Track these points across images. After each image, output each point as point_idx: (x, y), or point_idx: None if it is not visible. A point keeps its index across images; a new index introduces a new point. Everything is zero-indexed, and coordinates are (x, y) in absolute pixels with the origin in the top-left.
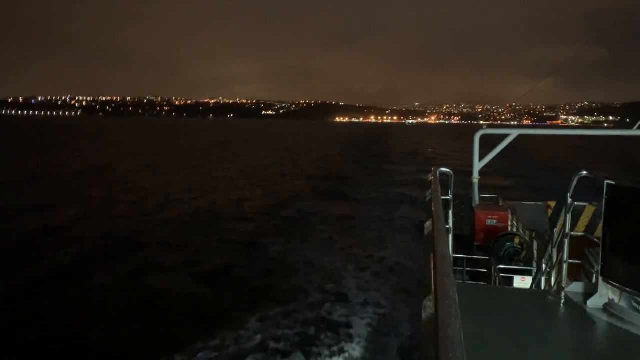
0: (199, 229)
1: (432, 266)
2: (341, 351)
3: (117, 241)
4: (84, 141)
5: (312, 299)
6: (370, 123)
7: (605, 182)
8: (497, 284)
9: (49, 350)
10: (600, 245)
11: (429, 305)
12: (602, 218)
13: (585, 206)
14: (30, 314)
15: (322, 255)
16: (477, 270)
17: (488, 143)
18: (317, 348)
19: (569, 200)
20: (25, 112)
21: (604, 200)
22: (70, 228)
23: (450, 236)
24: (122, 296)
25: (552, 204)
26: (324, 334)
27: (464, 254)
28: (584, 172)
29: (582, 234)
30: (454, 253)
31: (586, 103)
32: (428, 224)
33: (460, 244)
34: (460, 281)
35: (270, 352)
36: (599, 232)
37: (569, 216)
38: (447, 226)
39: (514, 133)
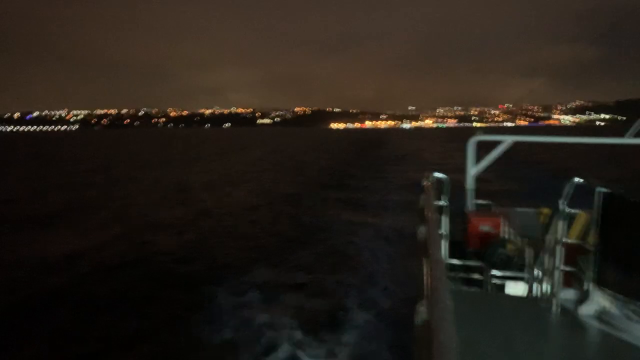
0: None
1: (426, 271)
2: (327, 355)
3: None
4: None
5: (296, 297)
6: (367, 128)
7: (599, 190)
8: (490, 290)
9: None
10: (593, 253)
11: (422, 310)
12: (596, 226)
13: (578, 213)
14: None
15: (309, 256)
16: (470, 276)
17: (482, 148)
18: (300, 352)
19: (563, 207)
20: (22, 128)
21: (597, 208)
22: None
23: (445, 242)
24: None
25: (546, 210)
26: (307, 337)
27: (456, 260)
28: (579, 180)
29: (575, 241)
30: (446, 259)
31: (580, 102)
32: (422, 229)
33: (453, 249)
34: (453, 287)
35: (255, 355)
36: (592, 239)
37: (562, 223)
38: (441, 232)
39: (509, 140)
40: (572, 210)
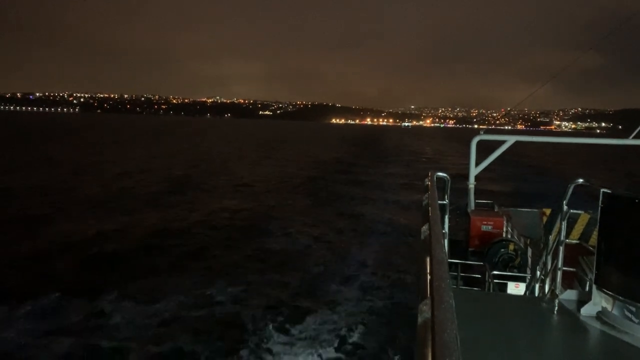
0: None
1: (429, 270)
2: (330, 354)
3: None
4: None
5: (296, 297)
6: (367, 125)
7: (601, 190)
8: (491, 290)
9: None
10: (595, 254)
11: (425, 309)
12: (597, 226)
13: (580, 214)
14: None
15: (309, 253)
16: (471, 275)
17: (485, 148)
18: (300, 351)
19: (565, 208)
20: (23, 108)
21: (599, 208)
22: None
23: (446, 241)
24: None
25: (547, 211)
26: (309, 337)
27: (458, 259)
28: (580, 180)
29: (577, 241)
30: (448, 258)
31: (579, 109)
32: (425, 228)
33: (455, 249)
34: (454, 286)
35: (253, 355)
36: (593, 240)
37: (564, 224)
38: (443, 231)
39: (511, 139)
40: (574, 211)
